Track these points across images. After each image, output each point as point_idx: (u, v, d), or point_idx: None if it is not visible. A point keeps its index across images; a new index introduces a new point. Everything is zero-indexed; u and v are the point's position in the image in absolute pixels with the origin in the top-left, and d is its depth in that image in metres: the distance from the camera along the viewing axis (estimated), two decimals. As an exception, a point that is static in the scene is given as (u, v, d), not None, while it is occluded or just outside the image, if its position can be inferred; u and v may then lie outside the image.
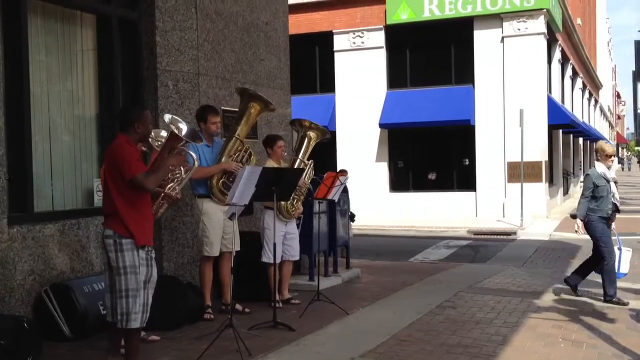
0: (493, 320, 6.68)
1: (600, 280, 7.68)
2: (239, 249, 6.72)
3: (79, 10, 6.74)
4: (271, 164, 7.04)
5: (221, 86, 8.02)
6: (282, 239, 7.08)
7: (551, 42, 22.63)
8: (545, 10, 19.03)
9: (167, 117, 4.70)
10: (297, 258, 7.52)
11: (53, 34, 6.50)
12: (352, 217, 10.10)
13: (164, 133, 5.49)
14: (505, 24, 19.33)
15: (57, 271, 5.97)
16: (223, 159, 6.58)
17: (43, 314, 5.63)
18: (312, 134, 7.47)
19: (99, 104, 6.92)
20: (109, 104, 6.88)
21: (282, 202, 6.92)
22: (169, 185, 4.88)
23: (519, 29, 19.21)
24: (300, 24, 20.64)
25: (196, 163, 4.97)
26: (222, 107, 7.89)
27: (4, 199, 5.47)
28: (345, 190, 8.96)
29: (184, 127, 4.58)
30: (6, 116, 5.59)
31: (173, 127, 4.52)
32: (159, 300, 5.83)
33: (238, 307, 6.72)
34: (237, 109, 7.21)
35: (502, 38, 19.36)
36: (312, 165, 7.44)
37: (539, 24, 19.19)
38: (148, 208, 4.62)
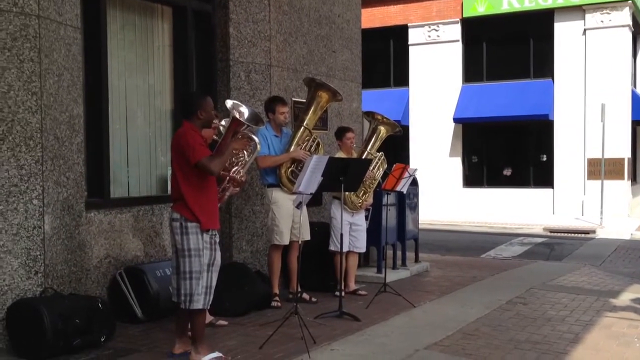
0: (565, 317, 6.49)
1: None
2: (309, 238, 6.78)
3: (157, 2, 6.94)
4: (341, 155, 7.06)
5: (292, 78, 8.08)
6: (348, 229, 7.08)
7: (637, 35, 21.71)
8: (630, 1, 18.27)
9: (229, 102, 4.81)
10: (363, 250, 7.49)
11: (131, 25, 6.71)
12: None
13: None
14: (587, 16, 18.69)
15: (132, 255, 6.18)
16: (292, 148, 6.63)
17: (117, 295, 5.84)
18: (382, 127, 7.44)
19: (173, 95, 7.10)
20: (183, 94, 7.05)
21: (347, 193, 6.88)
22: (233, 169, 5.00)
23: (602, 21, 18.54)
24: (374, 17, 20.60)
25: (259, 147, 5.06)
26: (293, 98, 7.96)
27: (82, 185, 5.69)
28: (415, 183, 8.88)
29: (245, 111, 4.67)
30: (85, 105, 5.81)
31: (235, 112, 4.60)
32: (228, 287, 5.99)
33: (305, 296, 6.77)
34: (306, 100, 7.25)
35: (584, 30, 18.73)
36: (383, 158, 7.40)
37: (624, 16, 18.46)
38: (213, 193, 4.72)
